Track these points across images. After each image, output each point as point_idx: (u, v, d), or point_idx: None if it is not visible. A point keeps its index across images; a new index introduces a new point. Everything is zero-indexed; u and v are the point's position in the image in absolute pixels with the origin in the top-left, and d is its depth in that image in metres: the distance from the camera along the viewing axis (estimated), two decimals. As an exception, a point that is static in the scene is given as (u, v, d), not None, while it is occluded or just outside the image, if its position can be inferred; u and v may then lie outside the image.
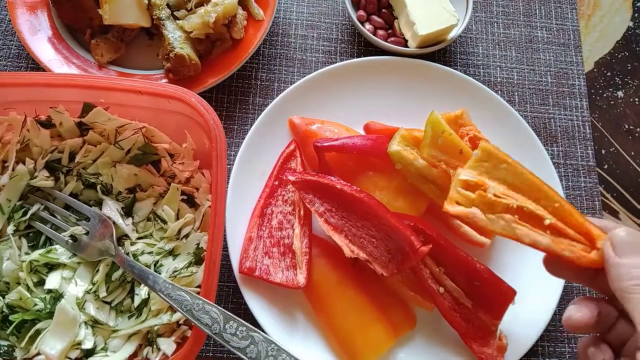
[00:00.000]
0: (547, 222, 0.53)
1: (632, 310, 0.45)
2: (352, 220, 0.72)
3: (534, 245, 0.53)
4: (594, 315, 0.49)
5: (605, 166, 0.91)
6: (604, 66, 0.97)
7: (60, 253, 0.69)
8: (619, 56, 0.98)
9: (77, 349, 0.65)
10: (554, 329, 0.79)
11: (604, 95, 0.95)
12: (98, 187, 0.72)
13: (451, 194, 0.56)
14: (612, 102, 0.95)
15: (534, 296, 0.74)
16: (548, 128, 0.91)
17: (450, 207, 0.55)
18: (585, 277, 0.54)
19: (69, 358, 0.64)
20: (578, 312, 0.49)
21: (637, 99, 0.95)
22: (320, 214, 0.72)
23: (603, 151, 0.91)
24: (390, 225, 0.68)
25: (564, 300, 0.80)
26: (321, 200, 0.73)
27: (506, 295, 0.69)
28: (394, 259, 0.69)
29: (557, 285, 0.75)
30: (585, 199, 0.87)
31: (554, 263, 0.56)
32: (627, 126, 0.93)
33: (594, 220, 0.54)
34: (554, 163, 0.86)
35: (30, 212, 0.70)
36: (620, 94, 0.95)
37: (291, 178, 0.73)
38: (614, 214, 0.88)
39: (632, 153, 0.92)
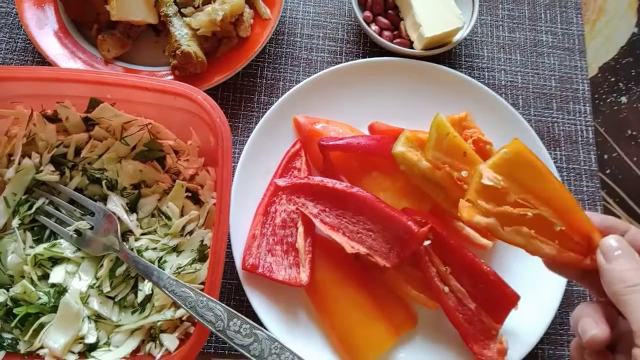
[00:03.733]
0: (557, 228, 0.54)
1: (627, 311, 0.47)
2: (347, 217, 0.72)
3: (545, 256, 0.54)
4: (608, 328, 0.50)
5: (608, 171, 0.91)
6: (608, 71, 0.97)
7: (65, 247, 0.69)
8: (623, 62, 0.98)
9: (80, 343, 0.65)
10: (555, 332, 0.79)
11: (608, 100, 0.95)
12: (103, 182, 0.73)
13: (470, 195, 0.54)
14: (615, 108, 0.95)
15: (535, 299, 0.74)
16: (551, 132, 0.91)
17: (468, 217, 0.54)
18: (587, 278, 0.55)
19: (72, 352, 0.65)
20: (600, 330, 0.49)
21: (640, 105, 0.95)
22: (315, 215, 0.73)
23: (606, 156, 0.92)
24: (385, 215, 0.69)
25: (565, 303, 0.80)
26: (314, 202, 0.73)
27: (510, 299, 0.69)
28: (393, 249, 0.69)
29: (558, 288, 0.75)
30: (587, 203, 0.87)
31: (555, 263, 0.57)
32: (630, 132, 0.94)
33: (604, 217, 0.55)
34: (556, 167, 0.86)
35: (35, 206, 0.70)
36: (623, 99, 0.96)
37: (280, 184, 0.74)
38: (616, 218, 0.89)
39: (635, 159, 0.92)
